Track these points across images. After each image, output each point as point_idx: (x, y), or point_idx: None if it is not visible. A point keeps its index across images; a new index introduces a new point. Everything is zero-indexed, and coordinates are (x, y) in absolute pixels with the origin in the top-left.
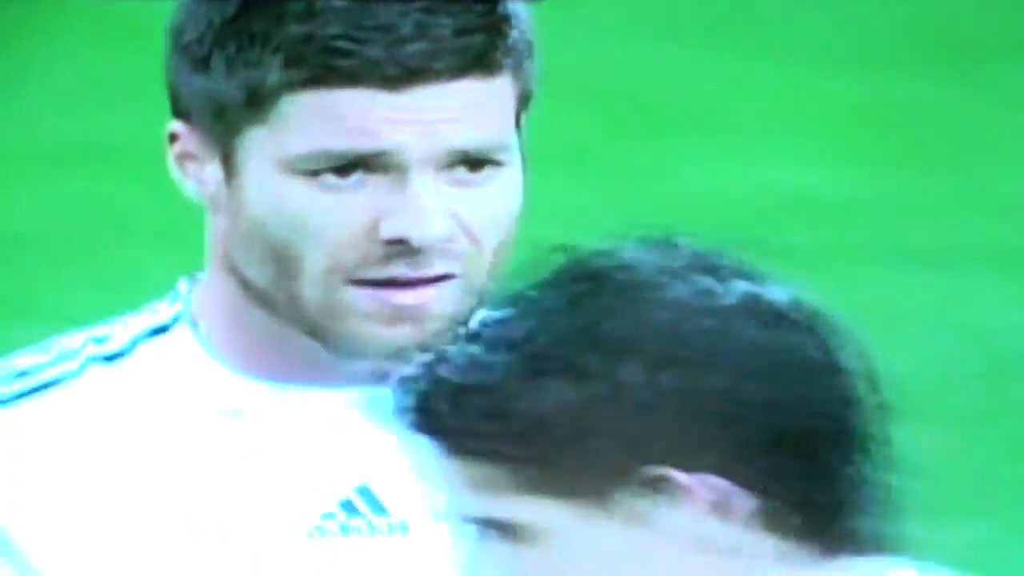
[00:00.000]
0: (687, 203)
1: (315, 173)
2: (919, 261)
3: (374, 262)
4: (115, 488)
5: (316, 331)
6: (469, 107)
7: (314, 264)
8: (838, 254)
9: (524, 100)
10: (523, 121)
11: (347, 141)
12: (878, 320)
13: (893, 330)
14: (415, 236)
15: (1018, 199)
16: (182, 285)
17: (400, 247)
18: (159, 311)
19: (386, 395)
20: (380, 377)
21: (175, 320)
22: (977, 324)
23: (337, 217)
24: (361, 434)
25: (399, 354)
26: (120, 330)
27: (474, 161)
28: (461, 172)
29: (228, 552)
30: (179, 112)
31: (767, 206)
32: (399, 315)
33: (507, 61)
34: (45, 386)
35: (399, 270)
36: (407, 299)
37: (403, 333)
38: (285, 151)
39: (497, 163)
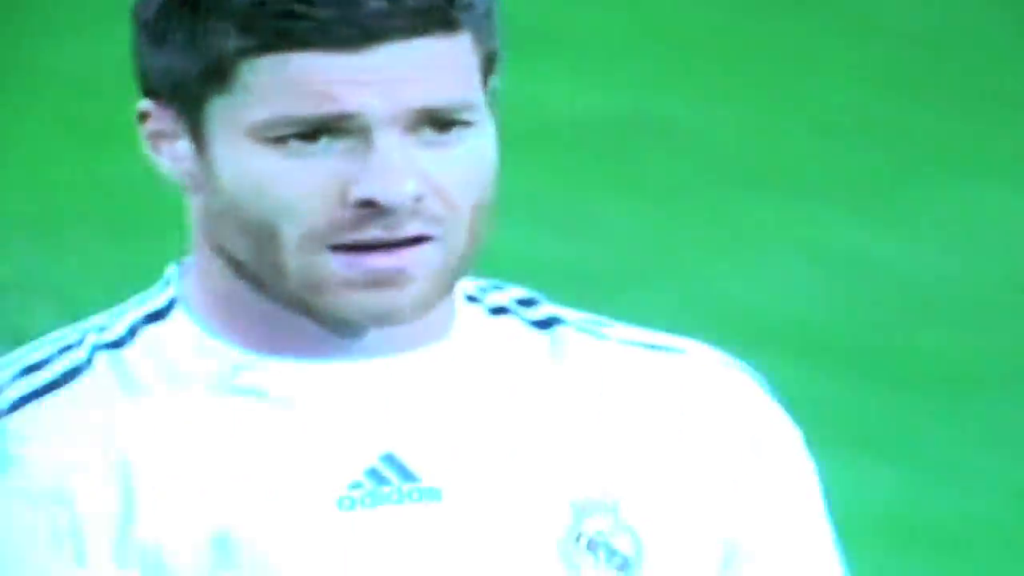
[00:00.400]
0: (540, 123)
1: (281, 140)
2: (776, 188)
3: (347, 227)
4: (149, 471)
5: (301, 303)
6: (430, 66)
7: (289, 233)
8: (696, 179)
9: (489, 61)
10: (491, 83)
11: (308, 106)
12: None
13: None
14: (384, 197)
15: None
16: (170, 270)
17: (371, 209)
18: (151, 298)
19: (397, 363)
20: (384, 346)
21: (169, 305)
22: (836, 250)
23: (306, 183)
24: (381, 402)
25: (384, 319)
26: (115, 319)
27: (441, 121)
28: (428, 133)
29: (261, 527)
30: (147, 91)
31: (623, 129)
32: (378, 279)
33: (465, 18)
34: (61, 379)
35: (373, 233)
36: (383, 262)
37: (384, 297)
38: (248, 119)
39: (465, 123)
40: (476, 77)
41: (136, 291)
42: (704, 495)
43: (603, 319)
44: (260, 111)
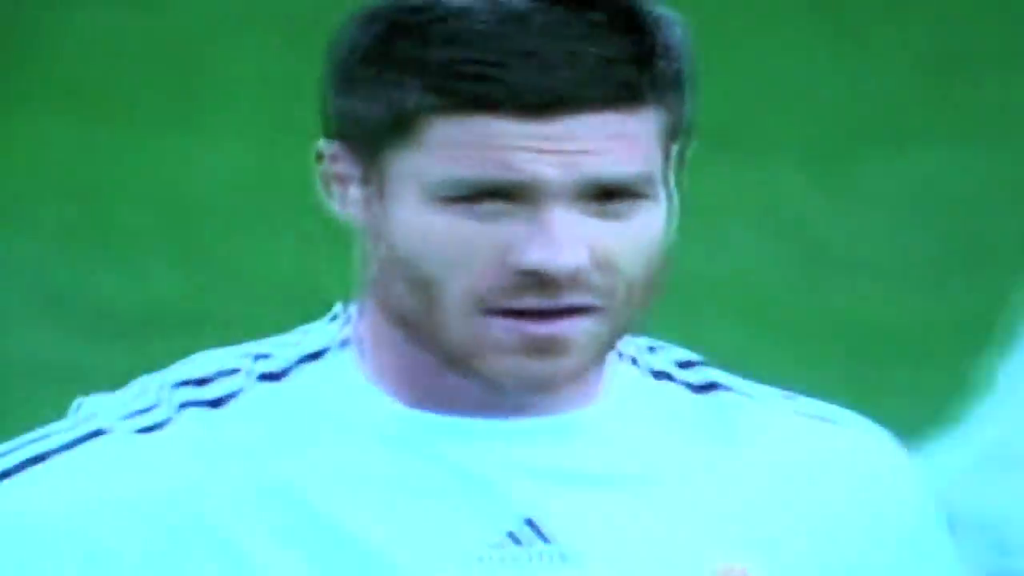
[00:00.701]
0: None
1: (452, 200)
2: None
3: (507, 292)
4: (280, 509)
5: (459, 363)
6: (611, 138)
7: (452, 293)
8: None
9: (673, 133)
10: (673, 155)
11: (484, 170)
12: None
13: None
14: (547, 267)
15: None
16: (339, 310)
17: (533, 277)
18: (317, 332)
19: (547, 425)
20: (538, 407)
21: (332, 345)
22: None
23: (472, 246)
24: (529, 462)
25: (541, 386)
26: (277, 350)
27: (614, 192)
28: (600, 203)
29: (412, 570)
30: (328, 131)
31: None
32: (535, 346)
33: (654, 94)
34: (220, 400)
35: (531, 301)
36: (540, 330)
37: (540, 365)
38: (424, 176)
39: (639, 195)
40: (657, 150)
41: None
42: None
43: (760, 385)
44: (437, 170)
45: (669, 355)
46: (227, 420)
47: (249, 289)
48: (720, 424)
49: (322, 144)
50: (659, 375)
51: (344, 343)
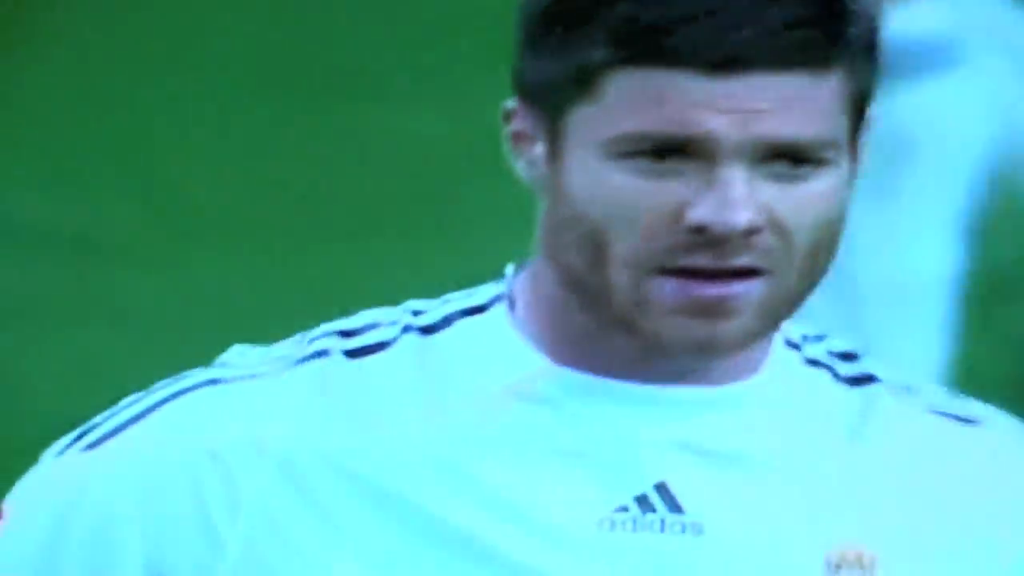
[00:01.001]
0: None
1: (628, 155)
2: None
3: (677, 250)
4: (404, 462)
5: (624, 324)
6: (790, 100)
7: (620, 250)
8: None
9: (861, 97)
10: (863, 119)
11: (663, 124)
12: None
13: None
14: (717, 225)
15: None
16: (509, 269)
17: (704, 236)
18: (480, 292)
19: (694, 396)
20: (691, 376)
21: (493, 301)
22: None
23: (644, 202)
24: (665, 431)
25: (703, 349)
26: (437, 306)
27: (794, 156)
28: (780, 166)
29: (520, 537)
30: (518, 91)
31: None
32: (703, 308)
33: (840, 58)
34: (368, 348)
35: (701, 260)
36: (708, 291)
37: (707, 327)
38: (603, 132)
39: (820, 160)
40: (840, 115)
41: None
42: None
43: (915, 381)
44: (615, 124)
45: (829, 344)
46: (370, 369)
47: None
48: (865, 420)
49: (509, 103)
50: (815, 363)
51: (496, 299)
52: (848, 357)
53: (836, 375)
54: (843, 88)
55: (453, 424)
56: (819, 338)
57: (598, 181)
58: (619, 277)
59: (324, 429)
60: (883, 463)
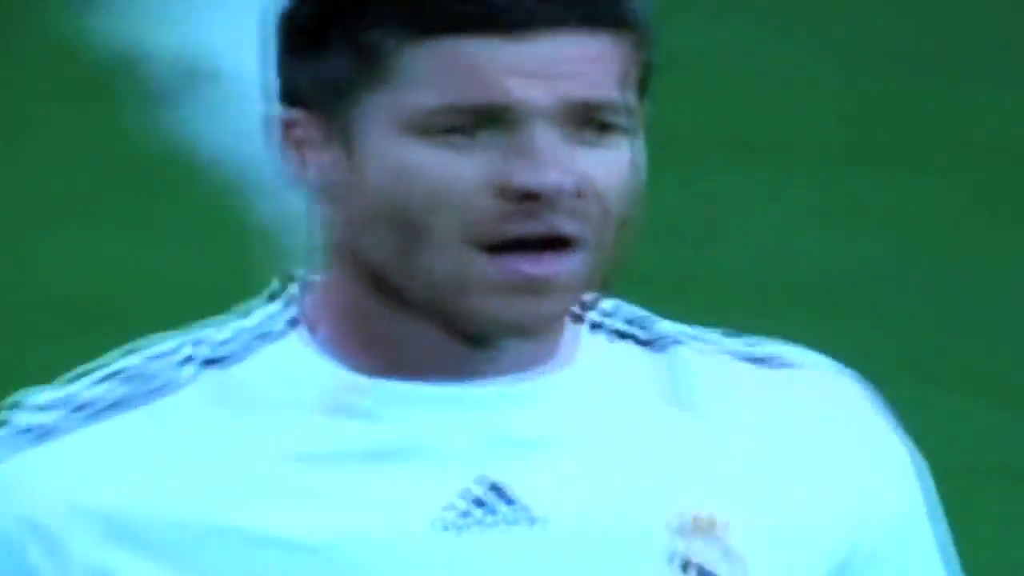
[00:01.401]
0: None
1: (437, 132)
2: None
3: (500, 221)
4: (231, 493)
5: (440, 310)
6: (592, 61)
7: (440, 229)
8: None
9: (644, 76)
10: (645, 97)
11: (471, 94)
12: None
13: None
14: (546, 186)
15: None
16: (289, 288)
17: (530, 202)
18: (265, 315)
19: (509, 390)
20: (502, 367)
21: (287, 325)
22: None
23: (462, 176)
24: (485, 426)
25: (522, 327)
26: (228, 336)
27: (597, 121)
28: (583, 132)
29: (357, 544)
30: (292, 100)
31: None
32: (524, 286)
33: (631, 20)
34: (156, 391)
35: (527, 227)
36: (535, 269)
37: (525, 306)
38: (407, 109)
39: (620, 128)
40: (633, 85)
41: None
42: (813, 519)
43: (710, 332)
44: (420, 99)
45: (624, 313)
46: (172, 412)
47: None
48: (678, 381)
49: (287, 113)
50: (620, 335)
51: (292, 322)
52: (644, 322)
53: (639, 342)
54: (631, 51)
55: (273, 448)
56: (616, 308)
57: (406, 163)
58: (439, 258)
59: (143, 481)
60: (710, 421)
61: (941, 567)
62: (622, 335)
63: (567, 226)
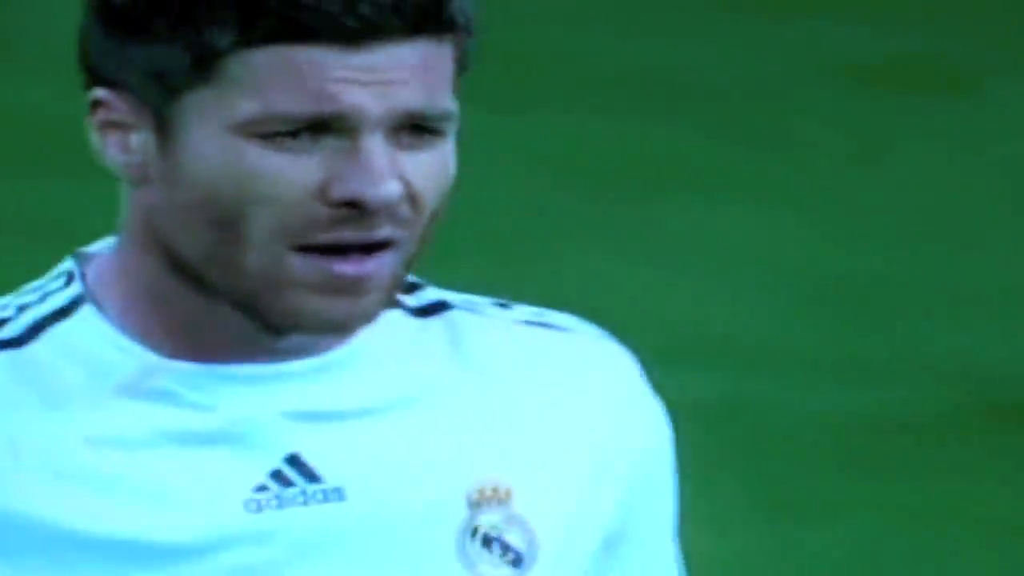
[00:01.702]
0: None
1: (265, 135)
2: None
3: (321, 226)
4: (33, 478)
5: (251, 304)
6: (421, 69)
7: (259, 228)
8: None
9: (460, 70)
10: (456, 92)
11: (303, 103)
12: None
13: None
14: (368, 197)
15: None
16: (68, 266)
17: (350, 210)
18: (48, 293)
19: (323, 363)
20: (299, 350)
21: (74, 302)
22: None
23: (287, 178)
24: (286, 404)
25: (338, 327)
26: (18, 310)
27: (421, 127)
28: (406, 137)
29: (170, 530)
30: (104, 80)
31: None
32: (339, 286)
33: (456, 23)
34: None
35: (346, 234)
36: (349, 269)
37: (341, 306)
38: (236, 114)
39: (438, 132)
40: (453, 86)
41: None
42: (589, 483)
43: (482, 298)
44: (249, 106)
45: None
46: None
47: None
48: (457, 345)
49: (98, 92)
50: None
51: (77, 299)
52: (413, 288)
53: (410, 310)
54: (454, 57)
55: (76, 432)
56: None
57: (229, 161)
58: (254, 256)
59: None
60: (493, 386)
61: (670, 538)
62: (395, 304)
63: (386, 231)
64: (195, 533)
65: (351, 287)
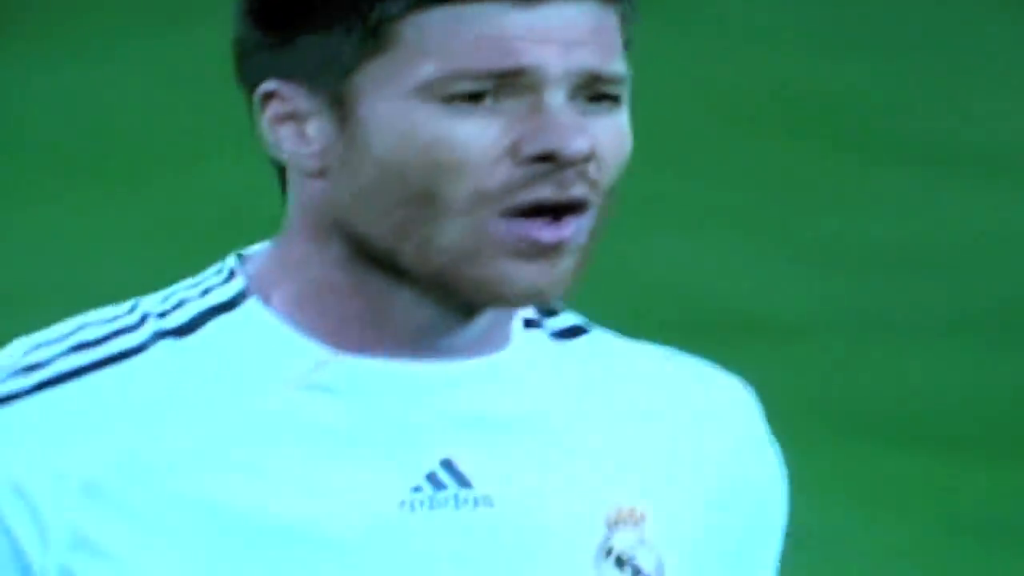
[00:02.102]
0: None
1: (448, 99)
2: None
3: (518, 186)
4: (200, 463)
5: (445, 280)
6: (597, 32)
7: (457, 196)
8: None
9: (628, 42)
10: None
11: (485, 60)
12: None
13: None
14: (561, 149)
15: None
16: (231, 262)
17: (545, 166)
18: (211, 288)
19: (481, 367)
20: (460, 350)
21: (238, 296)
22: None
23: (477, 141)
24: (447, 407)
25: (533, 296)
26: (173, 306)
27: (599, 92)
28: (584, 102)
29: (319, 525)
30: (272, 73)
31: None
32: (539, 250)
33: None
34: (110, 359)
35: (545, 192)
36: (547, 234)
37: (540, 271)
38: (416, 78)
39: (615, 99)
40: (623, 53)
41: None
42: (715, 514)
43: (613, 332)
44: (430, 67)
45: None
46: (131, 377)
47: None
48: (598, 369)
49: (269, 84)
50: (528, 323)
51: (241, 293)
52: (551, 312)
53: (550, 331)
54: (624, 24)
55: (241, 422)
56: None
57: (414, 128)
58: (454, 226)
59: (113, 444)
60: (631, 410)
61: None
62: (532, 323)
63: (581, 191)
64: (352, 526)
65: (550, 251)
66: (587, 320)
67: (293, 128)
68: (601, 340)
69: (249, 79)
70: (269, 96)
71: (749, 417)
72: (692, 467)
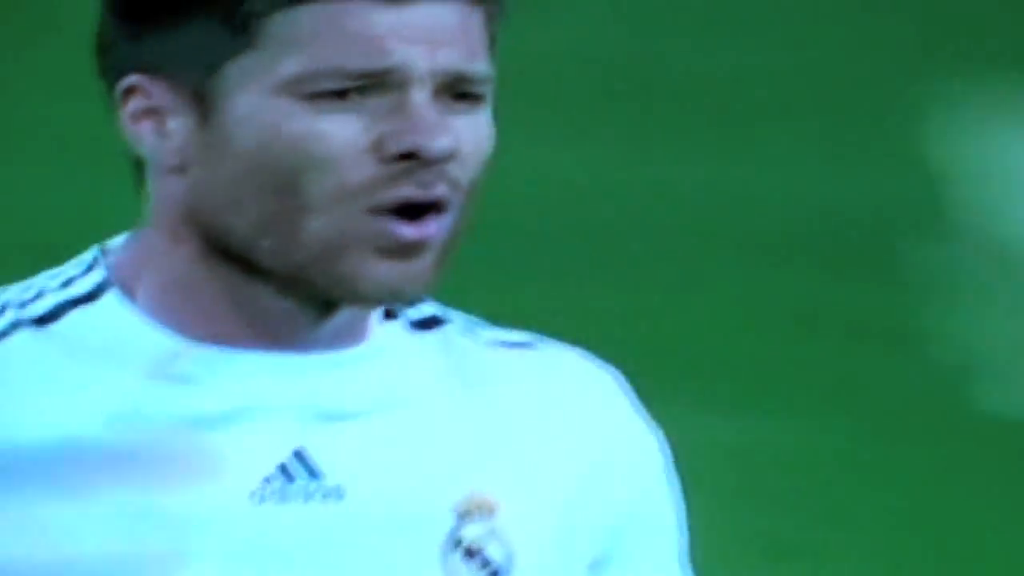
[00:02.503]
0: None
1: (313, 96)
2: None
3: (382, 183)
4: (55, 452)
5: (304, 275)
6: (460, 30)
7: (320, 191)
8: None
9: (492, 44)
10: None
11: (354, 57)
12: None
13: None
14: (424, 148)
15: None
16: (92, 254)
17: (408, 163)
18: (72, 278)
19: (337, 359)
20: (316, 342)
21: (98, 288)
22: None
23: (340, 138)
24: (301, 398)
25: (391, 293)
26: (35, 295)
27: (462, 91)
28: (449, 100)
29: (167, 515)
30: (132, 68)
31: None
32: (399, 248)
33: None
34: None
35: (408, 190)
36: (409, 231)
37: (399, 269)
38: (281, 74)
39: (477, 97)
40: (487, 54)
41: None
42: (573, 505)
43: (472, 317)
44: (296, 63)
45: None
46: None
47: None
48: (453, 360)
49: (131, 79)
50: (387, 315)
51: (102, 285)
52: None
53: (409, 323)
54: (487, 27)
55: (97, 409)
56: None
57: (277, 124)
58: (316, 221)
59: None
60: (486, 401)
61: (674, 570)
62: (389, 315)
63: (441, 190)
64: (200, 516)
65: (411, 249)
66: (445, 310)
67: (153, 123)
68: (459, 330)
69: (110, 73)
70: (130, 91)
71: (615, 406)
72: (548, 458)
